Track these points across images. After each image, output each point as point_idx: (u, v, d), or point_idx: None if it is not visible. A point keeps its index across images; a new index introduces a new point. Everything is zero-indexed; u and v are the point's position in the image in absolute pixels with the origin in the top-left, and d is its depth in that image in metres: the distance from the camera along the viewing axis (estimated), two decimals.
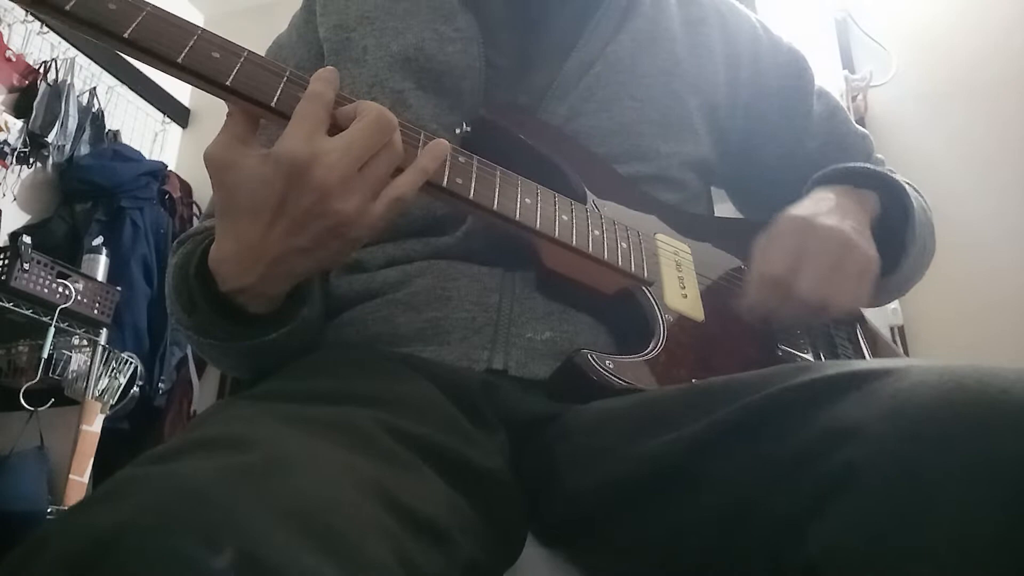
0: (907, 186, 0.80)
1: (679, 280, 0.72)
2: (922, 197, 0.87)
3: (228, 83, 0.52)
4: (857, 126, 0.95)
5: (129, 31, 0.49)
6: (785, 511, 0.38)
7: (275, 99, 0.54)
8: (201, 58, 0.52)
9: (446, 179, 0.60)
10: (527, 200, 0.64)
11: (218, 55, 0.53)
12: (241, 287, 0.55)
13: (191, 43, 0.51)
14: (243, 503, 0.32)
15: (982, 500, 0.31)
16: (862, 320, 0.86)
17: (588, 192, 0.71)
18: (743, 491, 0.42)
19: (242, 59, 0.54)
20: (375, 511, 0.38)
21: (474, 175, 0.62)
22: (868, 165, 0.80)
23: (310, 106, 0.52)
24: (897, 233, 0.77)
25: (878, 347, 0.86)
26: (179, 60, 0.51)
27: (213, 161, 0.52)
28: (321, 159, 0.50)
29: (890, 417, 0.35)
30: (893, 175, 0.80)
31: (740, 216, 0.87)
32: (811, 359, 0.75)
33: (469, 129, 0.71)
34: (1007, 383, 0.34)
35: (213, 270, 0.56)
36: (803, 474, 0.38)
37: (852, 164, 0.80)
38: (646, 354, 0.65)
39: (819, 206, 0.70)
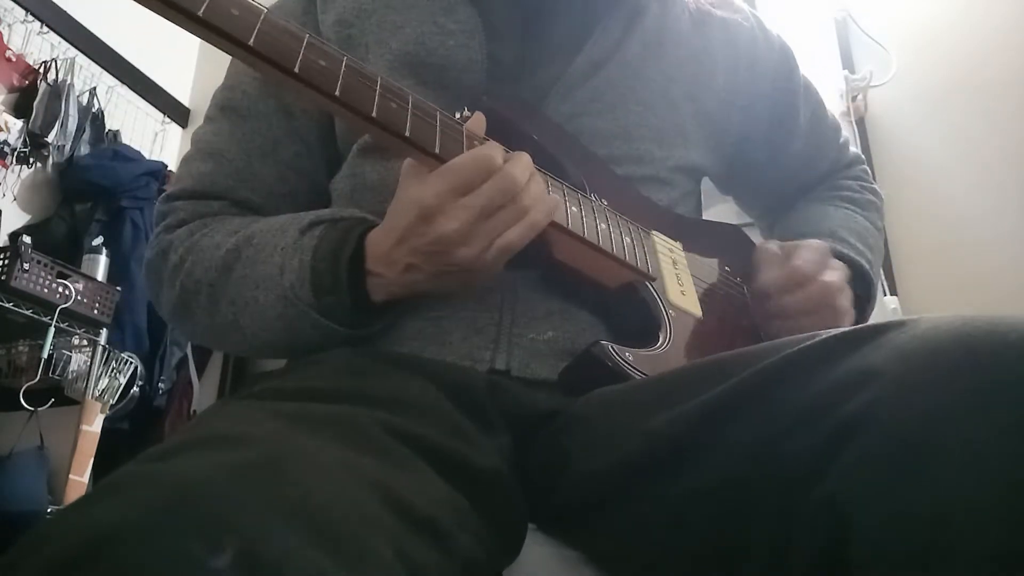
0: (854, 241, 0.85)
1: (676, 277, 0.73)
2: (869, 220, 0.92)
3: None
4: (831, 116, 0.98)
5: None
6: (801, 459, 0.39)
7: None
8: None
9: None
10: None
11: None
12: (379, 271, 0.61)
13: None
14: (243, 500, 0.32)
15: (990, 425, 0.32)
16: None
17: (588, 188, 0.71)
18: (757, 449, 0.42)
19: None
20: (375, 508, 0.38)
21: None
22: (839, 248, 0.82)
23: (467, 165, 0.57)
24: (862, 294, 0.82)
25: None
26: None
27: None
28: (446, 210, 0.56)
29: (905, 358, 0.37)
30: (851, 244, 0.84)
31: (721, 221, 0.89)
32: None
33: (470, 115, 0.70)
34: (1017, 322, 0.35)
35: (369, 240, 0.61)
36: (819, 421, 0.38)
37: (827, 243, 0.81)
38: (660, 347, 0.66)
39: (833, 265, 0.77)
